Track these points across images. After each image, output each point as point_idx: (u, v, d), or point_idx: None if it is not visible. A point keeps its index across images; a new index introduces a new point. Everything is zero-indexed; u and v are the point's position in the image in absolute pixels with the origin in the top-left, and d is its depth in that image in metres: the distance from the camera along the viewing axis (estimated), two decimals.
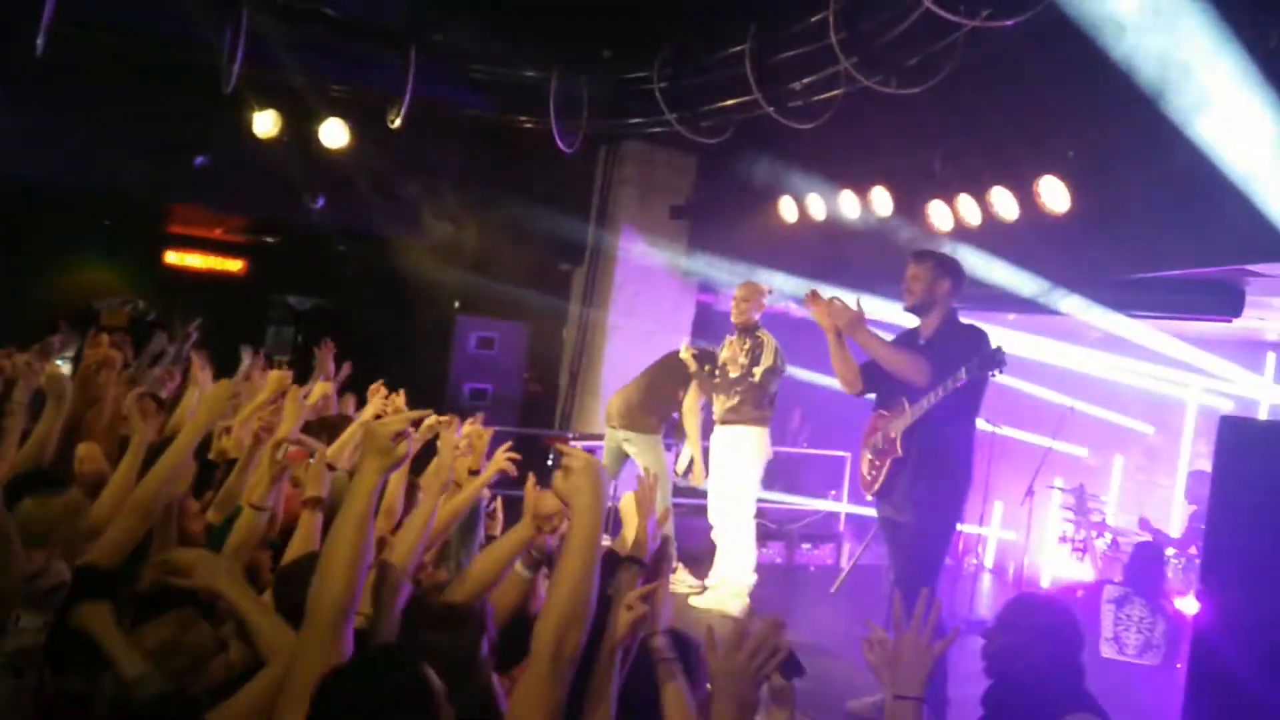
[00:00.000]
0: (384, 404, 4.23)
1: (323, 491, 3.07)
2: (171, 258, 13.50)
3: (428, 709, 1.76)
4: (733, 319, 6.23)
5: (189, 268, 13.60)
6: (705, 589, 6.13)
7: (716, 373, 6.20)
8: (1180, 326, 6.98)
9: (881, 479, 4.56)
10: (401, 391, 4.36)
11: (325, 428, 4.13)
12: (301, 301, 13.83)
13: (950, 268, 4.64)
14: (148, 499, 2.87)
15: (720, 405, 6.14)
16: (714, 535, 6.15)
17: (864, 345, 4.53)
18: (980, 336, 4.42)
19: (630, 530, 2.55)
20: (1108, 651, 5.92)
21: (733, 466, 6.02)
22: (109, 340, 4.58)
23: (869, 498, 4.77)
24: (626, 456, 6.66)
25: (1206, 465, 5.87)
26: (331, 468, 3.34)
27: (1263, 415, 7.50)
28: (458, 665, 2.19)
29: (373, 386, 4.39)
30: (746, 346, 6.12)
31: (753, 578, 6.01)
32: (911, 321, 4.80)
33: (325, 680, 1.76)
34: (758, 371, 6.02)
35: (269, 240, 12.23)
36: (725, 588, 5.97)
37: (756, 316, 6.17)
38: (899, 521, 4.51)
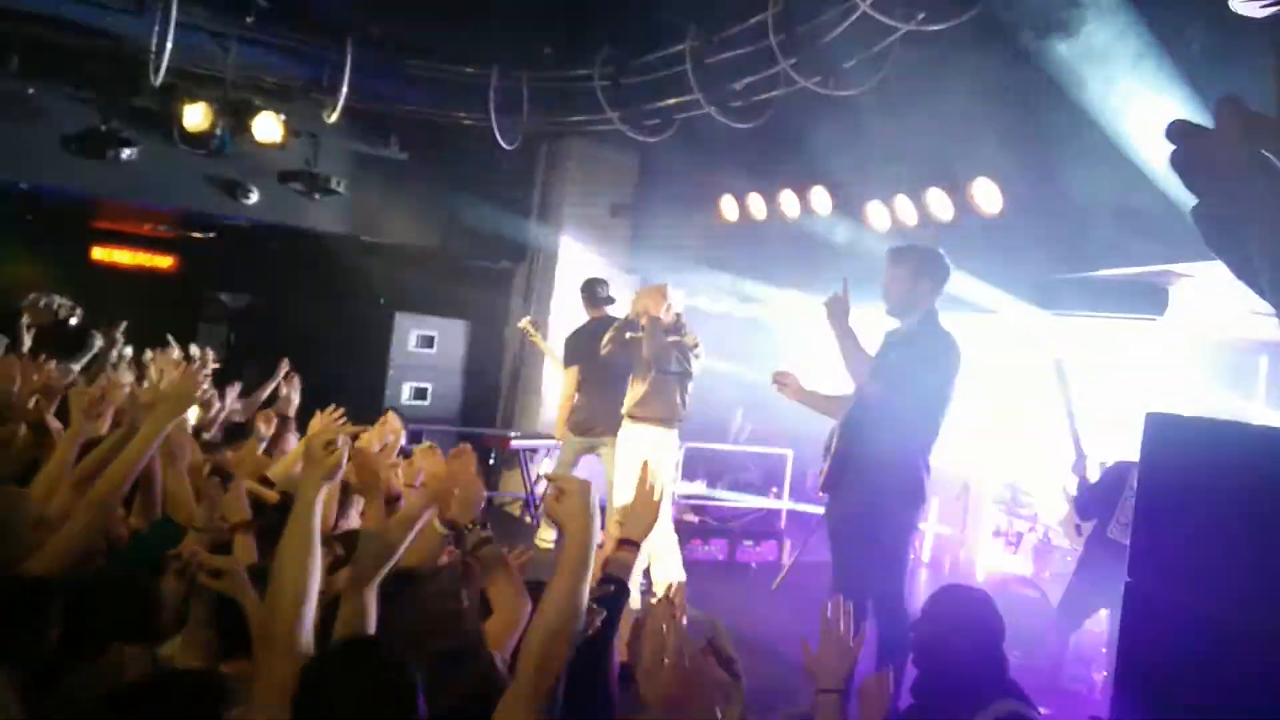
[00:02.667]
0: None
1: (247, 514, 3.04)
2: (99, 254, 13.11)
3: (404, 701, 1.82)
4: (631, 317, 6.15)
5: (117, 264, 13.22)
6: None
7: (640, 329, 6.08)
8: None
9: (826, 471, 4.42)
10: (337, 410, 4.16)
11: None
12: (235, 299, 13.50)
13: (931, 266, 4.39)
14: (101, 497, 2.87)
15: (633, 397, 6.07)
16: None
17: (835, 336, 4.35)
18: (948, 346, 4.29)
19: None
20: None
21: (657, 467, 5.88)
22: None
23: (821, 495, 4.63)
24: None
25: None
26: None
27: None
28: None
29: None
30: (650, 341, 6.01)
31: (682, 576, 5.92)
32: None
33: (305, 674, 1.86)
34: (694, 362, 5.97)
35: (200, 236, 11.95)
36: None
37: (668, 317, 6.08)
38: (847, 519, 4.35)
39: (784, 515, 8.81)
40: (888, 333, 4.57)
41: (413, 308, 9.49)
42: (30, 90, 7.31)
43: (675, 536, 5.97)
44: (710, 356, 6.20)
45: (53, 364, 4.90)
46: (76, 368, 6.18)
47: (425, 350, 9.34)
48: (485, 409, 9.72)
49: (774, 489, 9.02)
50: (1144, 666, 2.30)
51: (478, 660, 2.35)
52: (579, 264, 9.05)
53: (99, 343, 6.31)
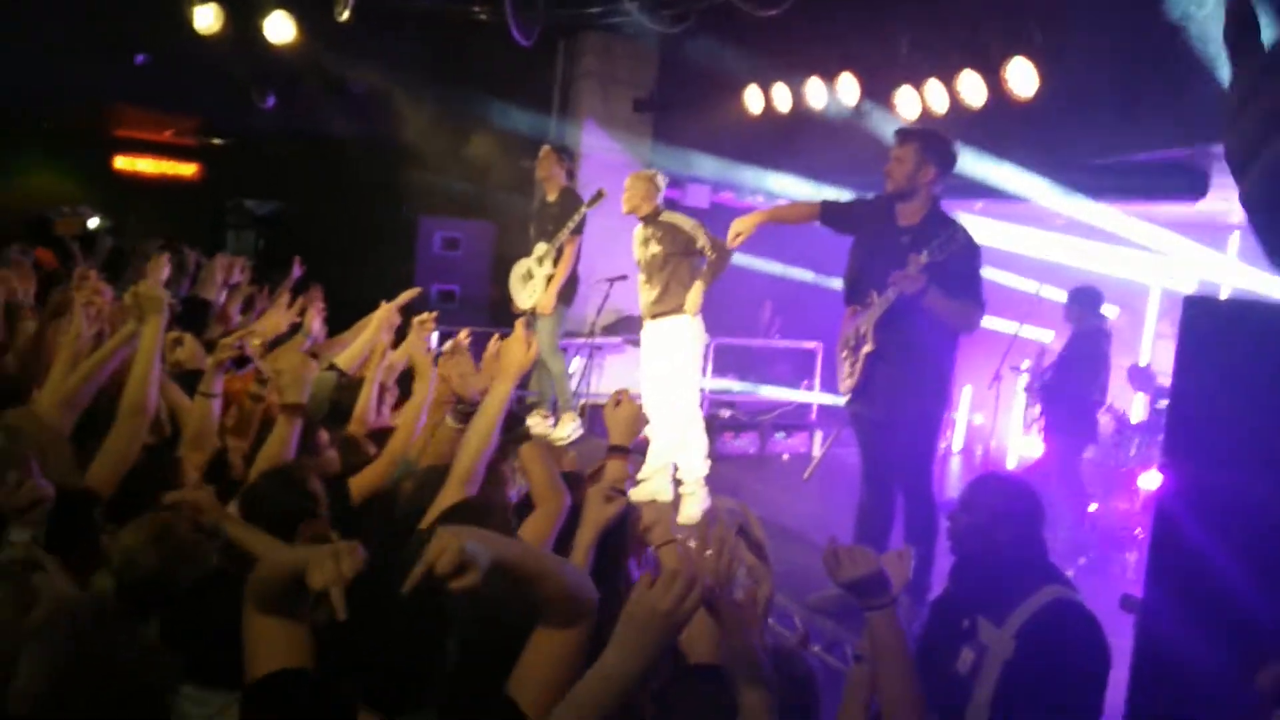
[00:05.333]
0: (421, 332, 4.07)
1: (303, 398, 3.07)
2: (121, 163, 13.08)
3: None
4: (625, 212, 5.89)
5: (140, 173, 13.20)
6: (638, 482, 5.94)
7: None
8: (1145, 210, 7.01)
9: (858, 376, 4.31)
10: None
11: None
12: (260, 205, 13.48)
13: (938, 150, 4.21)
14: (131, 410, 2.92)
15: (645, 297, 5.91)
16: (648, 430, 5.94)
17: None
18: (972, 239, 4.15)
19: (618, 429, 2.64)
20: None
21: (672, 360, 5.74)
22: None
23: (844, 396, 4.51)
24: None
25: (1169, 346, 5.98)
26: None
27: (1224, 295, 7.61)
28: None
29: (417, 320, 4.16)
30: (658, 235, 5.74)
31: (706, 466, 5.89)
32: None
33: None
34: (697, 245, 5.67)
35: (220, 143, 11.87)
36: (662, 478, 5.81)
37: (650, 205, 5.79)
38: (880, 421, 4.29)
39: (815, 408, 8.86)
40: (875, 201, 4.47)
41: (437, 210, 9.44)
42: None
43: (701, 425, 5.93)
44: (739, 250, 6.04)
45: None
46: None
47: (451, 253, 9.32)
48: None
49: (804, 382, 9.05)
50: (1177, 548, 2.32)
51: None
52: (602, 161, 8.92)
53: (108, 246, 6.32)
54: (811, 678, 2.28)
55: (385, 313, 4.47)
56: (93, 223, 13.02)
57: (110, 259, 7.83)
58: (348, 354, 4.46)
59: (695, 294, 5.65)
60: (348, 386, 4.07)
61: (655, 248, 5.76)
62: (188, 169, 13.27)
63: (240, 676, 1.77)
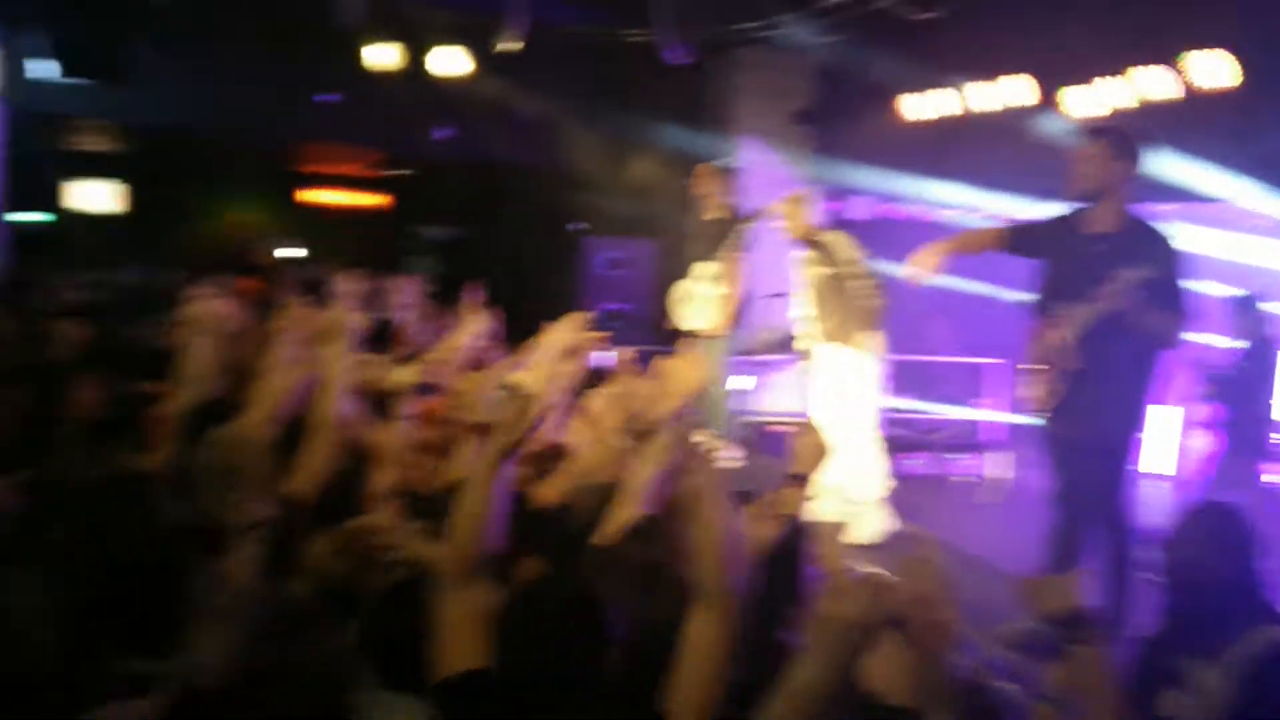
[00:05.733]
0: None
1: (488, 418, 3.22)
2: (312, 196, 14.06)
3: None
4: (784, 235, 5.70)
5: (329, 205, 14.15)
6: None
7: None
8: None
9: (1055, 394, 4.07)
10: None
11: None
12: (437, 232, 14.18)
13: (1128, 147, 3.95)
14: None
15: (813, 318, 5.77)
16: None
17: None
18: (1173, 244, 3.92)
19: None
20: None
21: (843, 381, 5.68)
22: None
23: (1037, 416, 4.27)
24: None
25: None
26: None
27: None
28: None
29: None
30: (818, 256, 5.59)
31: (884, 487, 5.74)
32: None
33: None
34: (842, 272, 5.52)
35: (402, 173, 12.54)
36: (833, 498, 5.66)
37: (809, 227, 5.61)
38: (1078, 442, 4.05)
39: (986, 427, 8.50)
40: (1053, 221, 4.23)
41: (602, 231, 9.64)
42: (237, 45, 7.83)
43: (877, 446, 5.78)
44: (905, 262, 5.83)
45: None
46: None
47: (615, 272, 9.49)
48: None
49: (975, 399, 8.69)
50: None
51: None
52: (761, 176, 8.88)
53: (301, 272, 6.78)
54: (1000, 712, 2.18)
55: (558, 338, 4.59)
56: (286, 253, 14.05)
57: (303, 287, 8.41)
58: (531, 375, 4.60)
59: (858, 334, 5.54)
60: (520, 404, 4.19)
61: (817, 269, 5.69)
62: (371, 199, 14.12)
63: (421, 682, 1.87)
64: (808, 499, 2.69)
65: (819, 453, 2.67)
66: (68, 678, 2.02)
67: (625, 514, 2.59)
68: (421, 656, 1.99)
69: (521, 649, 1.87)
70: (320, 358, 3.35)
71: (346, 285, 5.52)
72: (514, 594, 2.39)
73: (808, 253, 5.76)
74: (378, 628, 2.27)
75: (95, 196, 13.46)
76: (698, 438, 3.17)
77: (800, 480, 2.66)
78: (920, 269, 4.36)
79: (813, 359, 5.89)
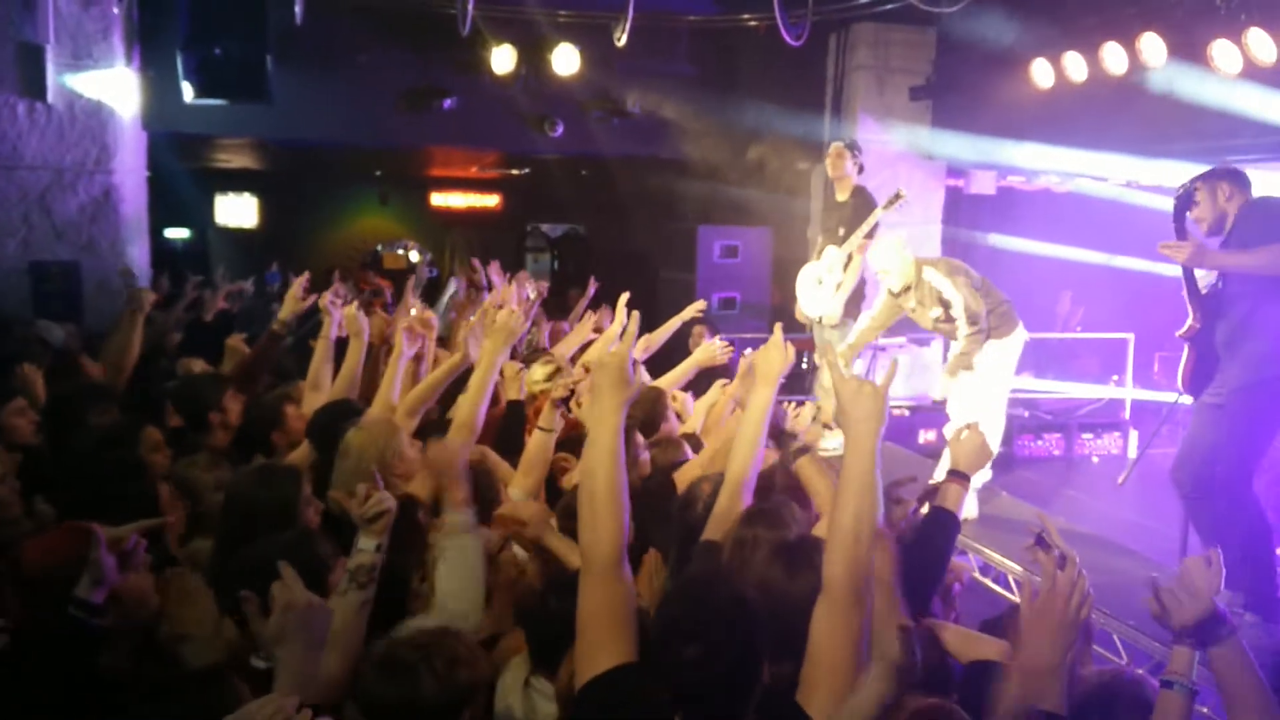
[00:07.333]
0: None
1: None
2: (437, 200, 14.54)
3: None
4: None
5: (452, 208, 14.61)
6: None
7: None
8: None
9: (1190, 365, 4.13)
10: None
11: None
12: (554, 228, 14.44)
13: (1237, 184, 4.03)
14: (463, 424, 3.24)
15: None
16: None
17: (1220, 266, 4.00)
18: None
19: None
20: None
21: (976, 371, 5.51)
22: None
23: (1182, 392, 4.28)
24: None
25: None
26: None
27: None
28: None
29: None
30: (924, 293, 5.46)
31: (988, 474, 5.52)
32: None
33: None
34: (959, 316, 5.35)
35: (517, 173, 12.82)
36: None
37: (912, 275, 5.49)
38: (1215, 405, 4.03)
39: (1128, 405, 8.10)
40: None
41: (715, 219, 9.62)
42: (361, 58, 8.13)
43: (999, 431, 5.56)
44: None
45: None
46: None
47: (730, 260, 9.46)
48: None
49: (1114, 376, 8.29)
50: None
51: None
52: (878, 155, 8.69)
53: (452, 287, 7.01)
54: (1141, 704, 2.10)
55: (703, 356, 4.85)
56: (414, 256, 14.58)
57: (429, 287, 8.72)
58: (667, 379, 4.79)
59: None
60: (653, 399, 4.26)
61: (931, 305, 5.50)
62: (491, 200, 14.49)
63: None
64: (965, 498, 2.73)
65: (983, 454, 2.74)
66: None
67: (726, 505, 2.58)
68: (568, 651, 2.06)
69: (672, 644, 1.84)
70: (483, 355, 3.44)
71: (519, 290, 5.73)
72: (657, 588, 2.47)
73: (910, 294, 5.60)
74: (532, 624, 2.42)
75: (237, 211, 14.28)
76: (809, 426, 3.13)
77: (963, 479, 2.72)
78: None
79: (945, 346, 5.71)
